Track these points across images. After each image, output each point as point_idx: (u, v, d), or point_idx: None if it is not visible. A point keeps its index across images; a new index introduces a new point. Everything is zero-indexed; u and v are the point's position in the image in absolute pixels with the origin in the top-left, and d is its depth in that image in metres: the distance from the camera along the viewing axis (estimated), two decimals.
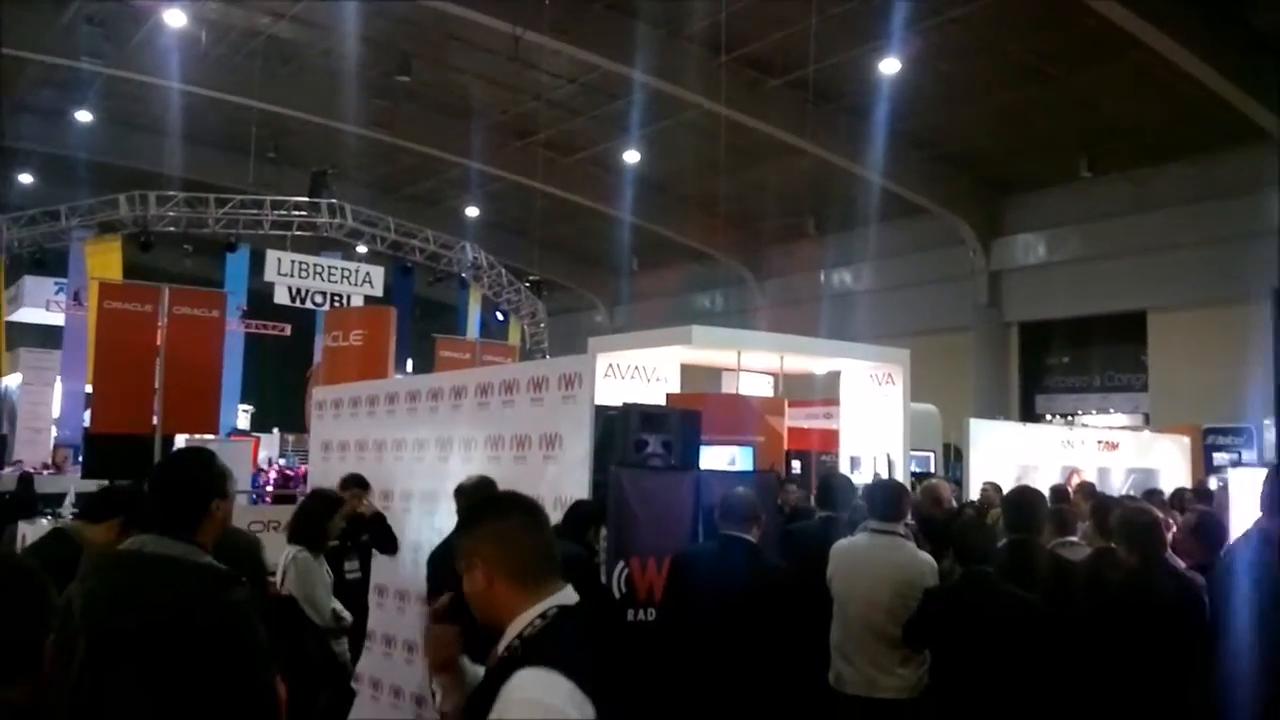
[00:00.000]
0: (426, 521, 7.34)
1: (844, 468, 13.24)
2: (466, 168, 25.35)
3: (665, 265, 31.96)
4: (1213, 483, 11.66)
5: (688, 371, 13.91)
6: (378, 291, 21.51)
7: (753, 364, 13.93)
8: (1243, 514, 5.29)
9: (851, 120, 20.63)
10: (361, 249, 23.22)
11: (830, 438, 14.41)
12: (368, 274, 21.57)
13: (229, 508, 3.11)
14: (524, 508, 2.21)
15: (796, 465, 14.62)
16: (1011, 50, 17.58)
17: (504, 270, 24.66)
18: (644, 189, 25.99)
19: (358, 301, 20.92)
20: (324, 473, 9.01)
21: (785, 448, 13.12)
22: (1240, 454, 15.62)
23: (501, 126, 24.15)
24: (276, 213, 21.41)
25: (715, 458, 10.53)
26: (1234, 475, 5.64)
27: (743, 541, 4.54)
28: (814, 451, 15.54)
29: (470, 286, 24.22)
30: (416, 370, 21.35)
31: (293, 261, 20.83)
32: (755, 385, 14.62)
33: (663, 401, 11.98)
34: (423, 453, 7.67)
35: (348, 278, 21.24)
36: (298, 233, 21.83)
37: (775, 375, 14.49)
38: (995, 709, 3.94)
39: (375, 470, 8.29)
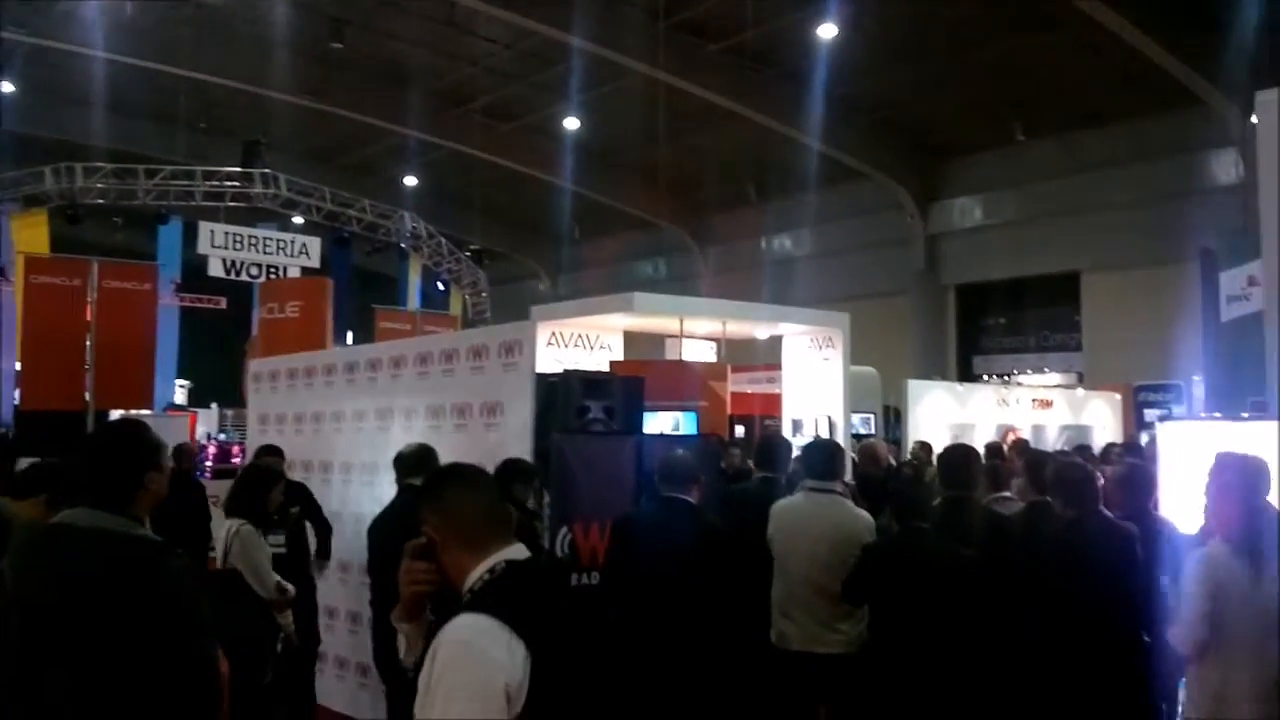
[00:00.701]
0: (367, 493, 7.28)
1: (786, 431, 13.41)
2: (403, 136, 25.01)
3: (607, 233, 31.88)
4: (1144, 438, 11.99)
5: (631, 339, 13.94)
6: (314, 263, 21.19)
7: (695, 330, 13.99)
8: (1171, 466, 5.44)
9: (790, 86, 20.66)
10: (297, 220, 22.83)
11: (773, 401, 14.56)
12: (304, 245, 21.23)
13: (164, 480, 3.07)
14: (464, 476, 2.34)
15: (740, 429, 14.79)
16: (947, 15, 17.68)
17: (444, 240, 24.42)
18: (584, 156, 25.84)
19: (294, 273, 20.59)
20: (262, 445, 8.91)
21: (729, 412, 13.24)
22: (1170, 410, 16.05)
23: (438, 94, 23.82)
24: (208, 184, 20.96)
25: (659, 423, 10.62)
26: (1162, 429, 5.79)
27: (683, 503, 4.58)
28: (757, 415, 15.72)
29: (409, 257, 23.96)
30: (357, 343, 21.11)
31: (226, 233, 20.42)
32: (698, 351, 14.70)
33: (606, 369, 12.06)
34: (362, 424, 7.60)
35: (283, 249, 20.88)
36: (231, 204, 21.40)
37: (718, 341, 14.58)
38: (933, 661, 4.03)
39: (314, 442, 8.22)
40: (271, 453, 6.98)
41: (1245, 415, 7.66)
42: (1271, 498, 4.45)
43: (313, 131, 25.68)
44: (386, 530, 5.08)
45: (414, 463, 5.28)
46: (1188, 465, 5.05)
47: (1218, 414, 10.07)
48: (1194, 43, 16.76)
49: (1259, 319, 8.56)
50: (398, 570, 2.25)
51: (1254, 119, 8.50)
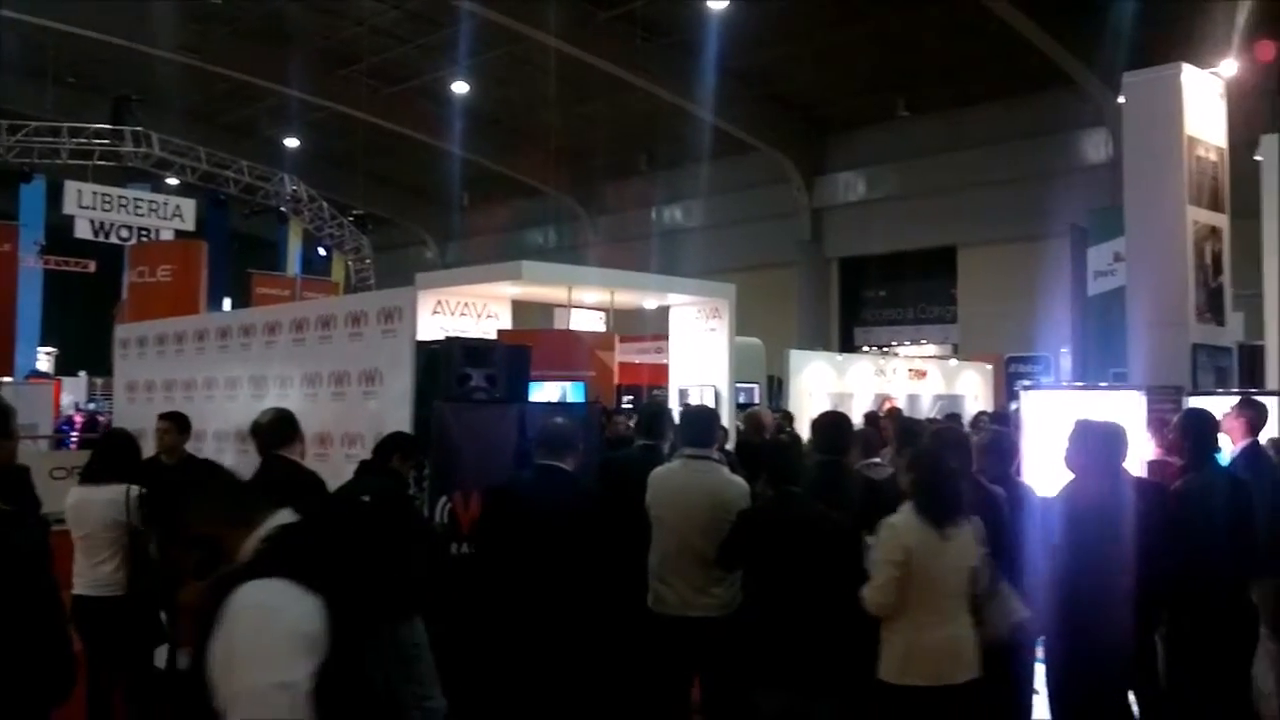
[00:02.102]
0: (242, 464, 7.07)
1: (673, 400, 13.53)
2: (285, 96, 24.20)
3: (497, 200, 31.53)
4: (1014, 407, 12.44)
5: (520, 308, 13.84)
6: (189, 225, 20.42)
7: (584, 300, 13.98)
8: (1033, 433, 5.65)
9: (681, 56, 20.67)
10: (172, 181, 21.95)
11: (661, 372, 14.66)
12: (178, 207, 20.44)
13: (13, 447, 2.91)
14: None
15: (629, 399, 14.85)
16: None
17: (326, 204, 23.78)
18: (474, 122, 25.44)
19: (167, 236, 19.82)
20: (129, 414, 8.58)
21: (616, 382, 13.29)
22: (1039, 380, 16.68)
23: (323, 53, 23.13)
24: (75, 141, 19.98)
25: (546, 393, 10.58)
26: (1025, 398, 6.01)
27: (558, 470, 4.57)
28: (645, 385, 15.79)
29: (290, 221, 23.28)
30: (235, 309, 20.48)
31: (95, 193, 19.51)
32: (587, 321, 14.70)
33: (493, 338, 11.94)
34: (236, 391, 7.38)
35: (156, 211, 20.06)
36: (100, 163, 20.43)
37: (606, 311, 14.59)
38: (805, 621, 4.11)
39: (185, 411, 7.93)
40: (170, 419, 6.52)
41: (1104, 385, 8.01)
42: (1131, 463, 4.70)
43: (190, 89, 24.60)
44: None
45: (273, 431, 4.98)
46: (1049, 431, 5.26)
47: (1079, 384, 10.51)
48: (1068, 25, 17.34)
49: (1123, 293, 8.94)
50: None
51: (1121, 99, 8.84)
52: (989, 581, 4.01)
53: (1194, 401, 6.02)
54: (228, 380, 7.53)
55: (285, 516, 2.18)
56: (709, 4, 18.05)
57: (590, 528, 4.51)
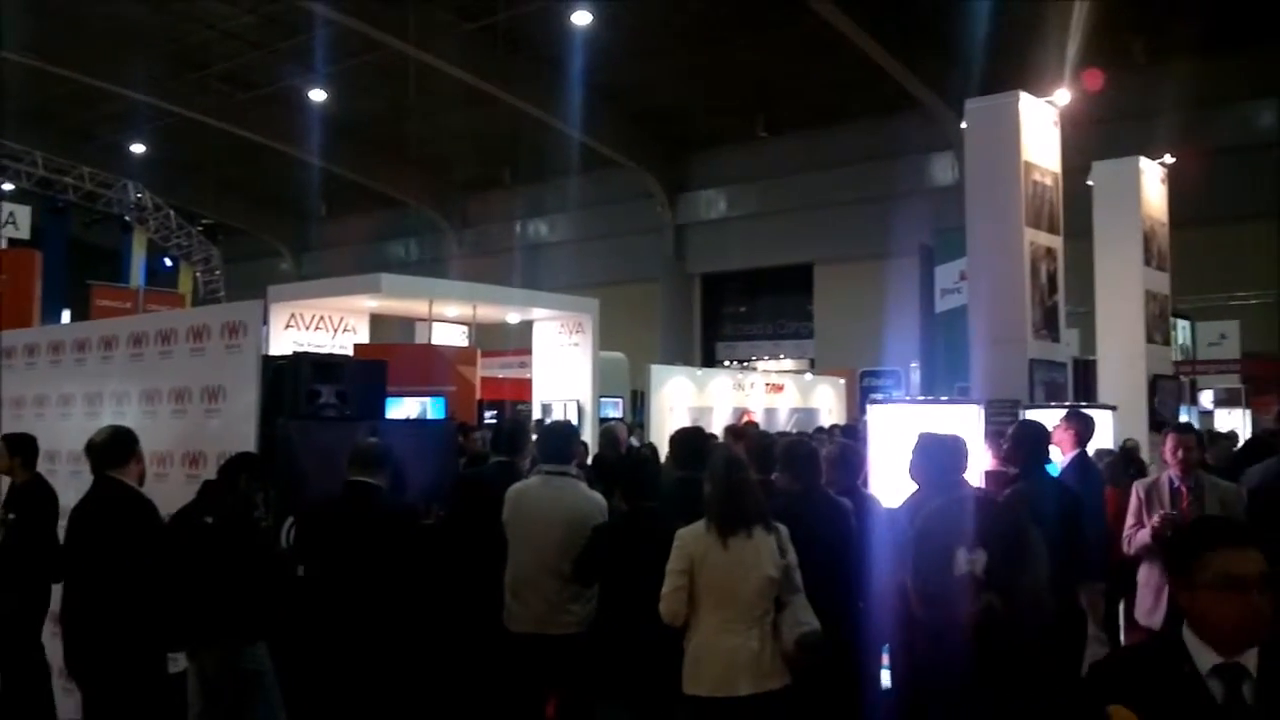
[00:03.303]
0: (74, 484, 6.67)
1: (536, 415, 13.46)
2: (130, 100, 23.16)
3: (357, 211, 30.87)
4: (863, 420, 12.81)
5: (380, 322, 13.56)
6: (24, 233, 19.29)
7: (446, 313, 13.78)
8: (879, 445, 5.82)
9: (544, 70, 20.67)
10: (6, 186, 20.72)
11: (524, 386, 14.58)
12: (11, 214, 19.28)
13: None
14: None
15: (491, 415, 14.69)
16: (696, 9, 18.19)
17: (173, 213, 22.81)
18: (332, 131, 24.85)
19: (0, 245, 18.68)
20: None
21: (479, 397, 13.13)
22: (890, 394, 17.24)
23: (171, 57, 22.24)
24: None
25: (406, 409, 10.38)
26: (872, 412, 6.19)
27: (364, 485, 4.56)
28: (508, 400, 15.67)
29: (134, 230, 22.25)
30: (74, 321, 19.44)
31: None
32: (449, 335, 14.49)
33: (350, 352, 11.65)
34: (69, 409, 6.97)
35: None
36: None
37: (468, 325, 14.43)
38: (658, 634, 4.12)
39: (13, 430, 7.47)
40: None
41: (945, 399, 8.33)
42: (970, 474, 4.89)
43: (27, 90, 23.29)
44: (83, 524, 4.67)
45: (107, 451, 4.76)
46: (895, 444, 5.43)
47: (920, 397, 10.90)
48: (917, 51, 18.06)
49: (967, 311, 9.30)
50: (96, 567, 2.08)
51: (964, 124, 9.22)
52: (784, 592, 3.99)
53: (1030, 415, 6.30)
54: (60, 398, 7.10)
55: None
56: (572, 20, 18.09)
57: (393, 540, 4.48)
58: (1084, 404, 7.61)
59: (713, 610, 3.92)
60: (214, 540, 4.75)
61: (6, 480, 6.16)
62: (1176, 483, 5.26)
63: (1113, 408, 7.59)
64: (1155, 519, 5.16)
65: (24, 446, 5.96)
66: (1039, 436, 5.07)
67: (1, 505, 5.99)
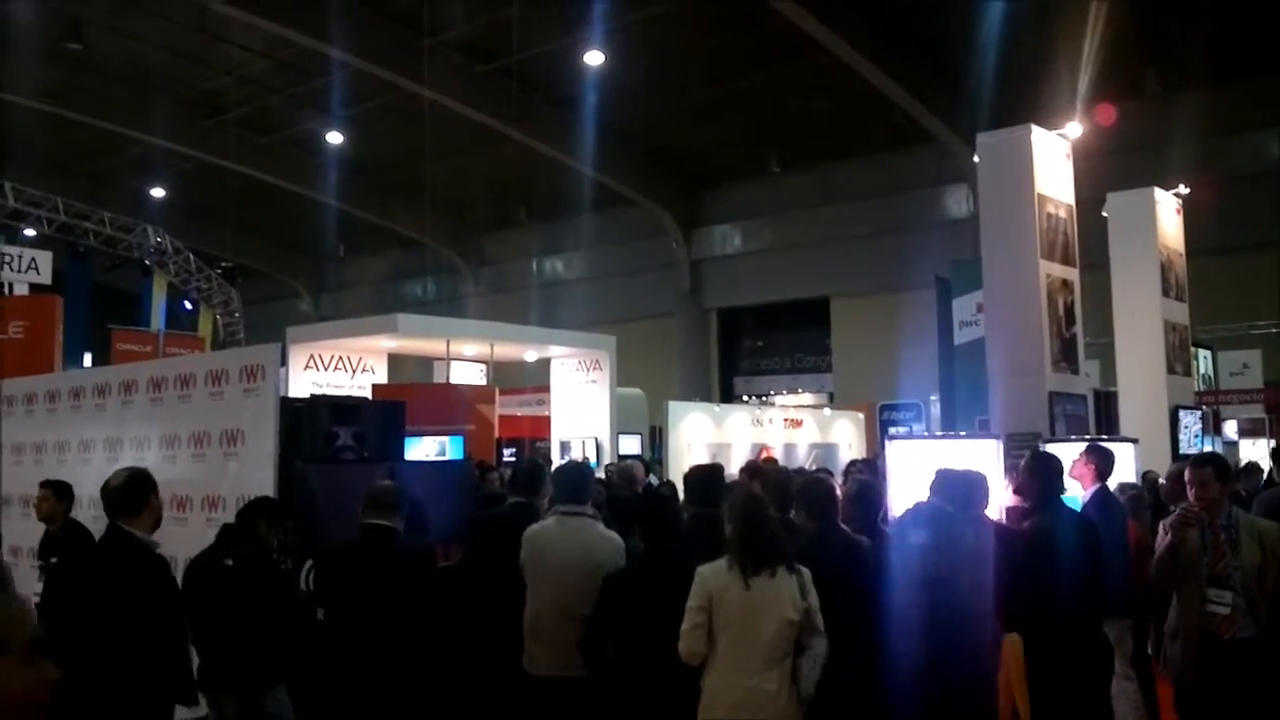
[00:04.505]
0: (96, 529, 6.71)
1: (555, 453, 13.46)
2: (149, 145, 23.49)
3: (374, 252, 31.11)
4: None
5: (398, 361, 13.64)
6: (45, 279, 19.45)
7: (463, 352, 13.86)
8: (899, 481, 5.79)
9: (559, 111, 20.85)
10: (29, 232, 20.96)
11: (543, 424, 14.60)
12: (33, 259, 19.44)
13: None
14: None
15: (510, 453, 14.70)
16: (707, 48, 18.34)
17: (192, 256, 23.01)
18: (349, 173, 25.12)
19: (22, 290, 18.85)
20: None
21: (497, 435, 13.15)
22: (911, 427, 17.13)
23: (190, 102, 22.56)
24: None
25: (424, 448, 10.40)
26: (890, 448, 6.17)
27: (381, 528, 4.58)
28: (527, 438, 15.68)
29: (154, 274, 22.44)
30: (96, 365, 19.59)
31: None
32: (467, 374, 14.56)
33: (368, 393, 11.71)
34: (90, 454, 7.03)
35: (9, 263, 19.03)
36: None
37: (486, 363, 14.49)
38: (679, 679, 4.08)
39: (35, 475, 7.51)
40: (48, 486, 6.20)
41: (964, 433, 8.28)
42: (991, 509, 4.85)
43: (48, 137, 23.66)
44: (87, 580, 4.68)
45: (121, 497, 4.65)
46: (913, 479, 5.40)
47: (939, 433, 10.83)
48: (928, 85, 18.13)
49: (984, 343, 9.27)
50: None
51: (976, 158, 9.25)
52: (804, 635, 3.95)
53: (1050, 448, 6.25)
54: (81, 443, 7.17)
55: None
56: (585, 60, 18.27)
57: (410, 583, 4.49)
58: (1105, 437, 7.55)
59: (730, 649, 3.88)
60: (235, 583, 4.75)
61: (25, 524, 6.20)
62: (1207, 521, 4.65)
63: (1134, 440, 7.53)
64: (1169, 520, 4.81)
65: (68, 493, 6.02)
66: (1051, 467, 5.00)
67: (39, 553, 6.02)
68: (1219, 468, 4.76)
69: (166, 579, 4.47)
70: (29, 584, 6.22)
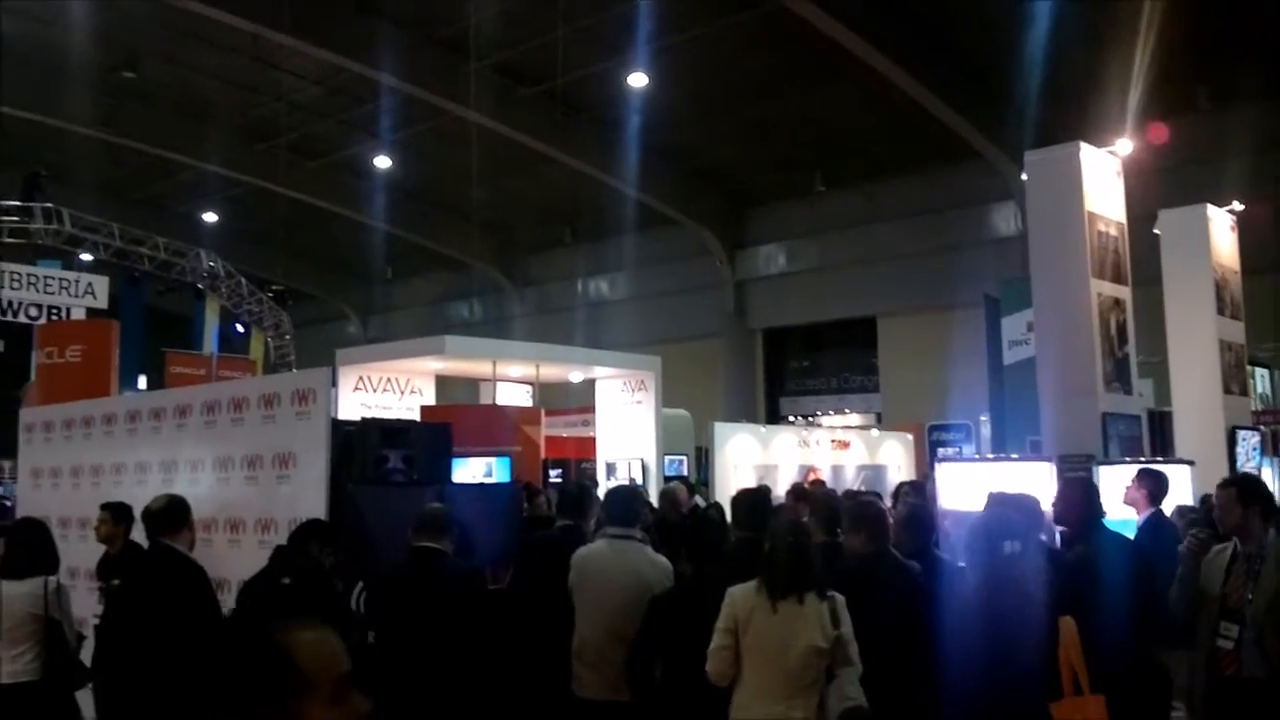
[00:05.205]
0: None
1: (600, 474, 13.46)
2: (202, 171, 23.98)
3: (421, 274, 31.43)
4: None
5: (445, 382, 13.73)
6: (102, 303, 19.90)
7: (509, 373, 13.92)
8: (950, 503, 5.73)
9: (603, 132, 20.97)
10: (85, 257, 21.46)
11: (588, 445, 14.60)
12: (90, 284, 19.92)
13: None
14: None
15: (556, 474, 14.72)
16: (751, 68, 18.38)
17: (244, 279, 23.42)
18: (396, 195, 25.44)
19: (79, 314, 19.29)
20: (34, 501, 8.27)
21: (543, 456, 13.16)
22: (961, 448, 16.91)
23: (242, 128, 23.00)
24: None
25: (472, 469, 10.44)
26: (940, 470, 6.11)
27: (431, 551, 4.62)
28: (573, 459, 15.68)
29: (207, 297, 22.86)
30: (151, 388, 19.95)
31: (2, 271, 18.97)
32: (513, 395, 14.61)
33: (416, 414, 11.79)
34: (145, 476, 7.15)
35: (67, 288, 19.54)
36: (9, 240, 19.92)
37: (532, 384, 14.54)
38: (723, 703, 4.06)
39: (93, 498, 7.66)
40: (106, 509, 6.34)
41: (1015, 456, 8.17)
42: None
43: (103, 164, 24.28)
44: (139, 586, 4.84)
45: (161, 518, 5.00)
46: (964, 503, 5.33)
47: (990, 455, 10.70)
48: (974, 102, 18.01)
49: (1035, 362, 9.15)
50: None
51: (1024, 176, 9.15)
52: (835, 664, 3.90)
53: (1103, 471, 6.16)
54: (137, 465, 7.30)
55: None
56: (629, 81, 18.38)
57: (462, 605, 4.52)
58: (1160, 459, 7.42)
59: (755, 674, 3.87)
60: (292, 601, 4.83)
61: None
62: (1238, 548, 4.37)
63: (1190, 462, 7.38)
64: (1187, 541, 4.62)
65: (126, 515, 6.14)
66: (1088, 492, 4.89)
67: (98, 574, 6.16)
68: (1243, 489, 4.43)
69: (209, 587, 4.80)
70: (87, 605, 6.33)
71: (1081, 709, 3.85)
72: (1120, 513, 5.58)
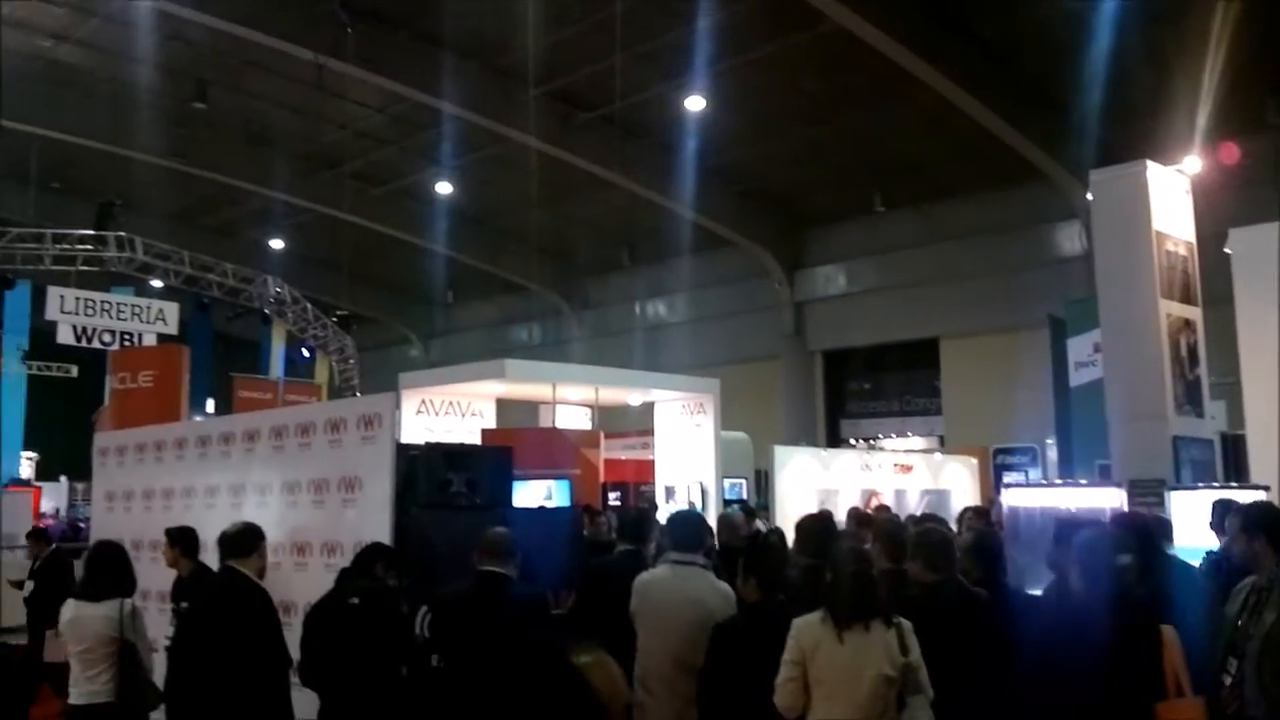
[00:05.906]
0: None
1: (659, 497, 13.45)
2: (269, 198, 24.51)
3: (481, 297, 31.76)
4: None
5: (505, 405, 13.84)
6: (172, 329, 20.46)
7: (569, 396, 13.99)
8: (1015, 532, 5.63)
9: (661, 155, 21.05)
10: (156, 284, 22.04)
11: (647, 468, 14.59)
12: (160, 310, 20.50)
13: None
14: None
15: (615, 497, 14.74)
16: (809, 89, 18.35)
17: (309, 305, 23.87)
18: (458, 221, 25.77)
19: (150, 340, 19.82)
20: (108, 524, 8.48)
21: (602, 479, 13.20)
22: (1027, 472, 16.61)
23: (306, 156, 23.49)
24: (59, 246, 20.10)
25: (531, 493, 10.49)
26: (1006, 495, 6.00)
27: (495, 575, 4.63)
28: (631, 482, 15.70)
29: (273, 322, 23.33)
30: (219, 412, 20.40)
31: (77, 298, 19.59)
32: (572, 418, 14.68)
33: (478, 437, 11.90)
34: (215, 500, 7.29)
35: (139, 315, 20.11)
36: (84, 268, 20.55)
37: (591, 407, 14.59)
38: None
39: (164, 521, 7.82)
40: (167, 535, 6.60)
41: (1084, 481, 8.01)
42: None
43: (173, 193, 24.94)
44: (206, 611, 4.97)
45: (232, 542, 5.16)
46: (1031, 529, 5.24)
47: (1057, 480, 10.49)
48: (1037, 122, 17.77)
49: (1103, 385, 8.99)
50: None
51: (1090, 195, 9.02)
52: (906, 692, 3.84)
53: (1174, 497, 6.00)
54: (207, 489, 7.44)
55: None
56: (686, 105, 18.46)
57: (524, 629, 4.52)
58: (1234, 484, 7.22)
59: (825, 705, 3.82)
60: (359, 622, 4.90)
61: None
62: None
63: (1266, 487, 7.18)
64: None
65: (184, 538, 6.32)
66: (1145, 526, 4.71)
67: (172, 596, 6.33)
68: (1248, 518, 4.09)
69: (271, 610, 4.92)
70: (159, 627, 6.47)
71: (1186, 711, 3.77)
72: (1191, 540, 5.42)
